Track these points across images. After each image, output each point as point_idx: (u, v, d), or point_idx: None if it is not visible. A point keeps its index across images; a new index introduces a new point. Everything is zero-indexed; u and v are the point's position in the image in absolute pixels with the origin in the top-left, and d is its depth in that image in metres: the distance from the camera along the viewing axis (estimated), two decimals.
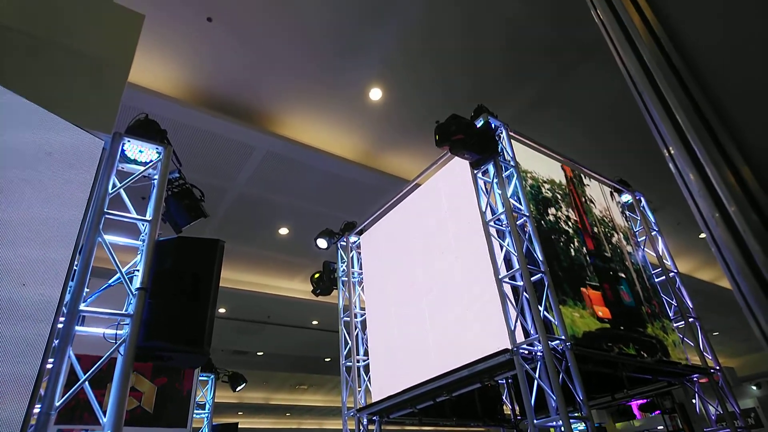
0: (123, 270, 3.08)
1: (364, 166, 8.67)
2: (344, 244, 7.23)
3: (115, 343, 2.86)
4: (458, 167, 5.51)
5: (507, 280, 4.44)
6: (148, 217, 3.36)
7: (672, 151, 1.23)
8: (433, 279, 5.54)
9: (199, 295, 3.22)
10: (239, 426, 9.19)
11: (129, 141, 3.52)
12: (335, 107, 7.68)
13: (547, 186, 5.66)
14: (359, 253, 7.12)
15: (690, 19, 1.26)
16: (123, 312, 2.94)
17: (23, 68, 3.11)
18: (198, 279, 3.23)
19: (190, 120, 7.19)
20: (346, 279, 6.91)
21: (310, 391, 18.83)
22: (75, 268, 2.87)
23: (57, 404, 2.54)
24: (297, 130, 8.04)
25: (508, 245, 4.55)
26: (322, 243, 7.29)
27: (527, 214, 4.77)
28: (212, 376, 8.26)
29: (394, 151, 8.66)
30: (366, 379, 6.18)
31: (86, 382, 2.70)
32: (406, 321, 5.71)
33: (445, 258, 5.44)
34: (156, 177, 3.66)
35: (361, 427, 5.73)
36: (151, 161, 3.68)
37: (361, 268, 6.96)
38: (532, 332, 4.14)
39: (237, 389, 8.92)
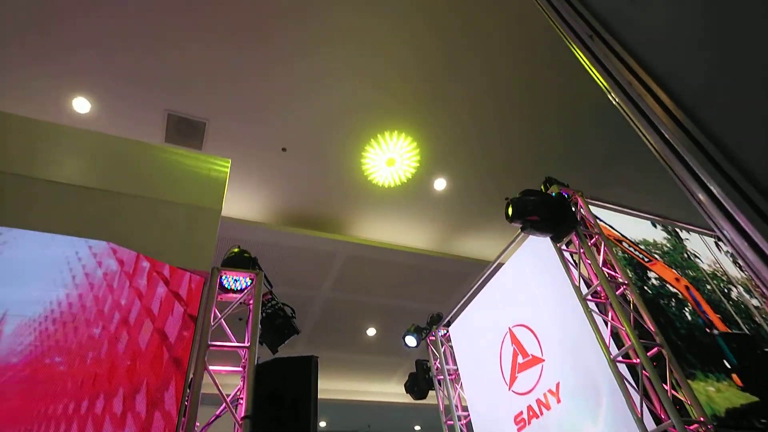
0: (228, 399, 3.20)
1: (441, 254, 8.67)
2: (433, 338, 7.02)
3: None
4: (539, 240, 5.33)
5: (621, 359, 4.03)
6: (246, 343, 3.53)
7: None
8: (533, 367, 5.15)
9: (299, 416, 3.22)
10: None
11: (225, 274, 3.82)
12: (404, 203, 7.94)
13: (642, 247, 5.28)
14: (451, 347, 6.86)
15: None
16: None
17: (133, 226, 3.57)
18: (297, 399, 3.26)
19: (275, 239, 7.72)
20: (442, 377, 6.61)
21: None
22: (186, 403, 3.00)
23: None
24: (372, 230, 8.34)
25: (612, 320, 4.20)
26: (410, 341, 7.14)
27: (625, 282, 4.43)
28: None
29: (469, 234, 8.63)
30: None
31: None
32: (512, 418, 5.26)
33: (545, 341, 5.09)
34: (251, 302, 3.89)
35: None
36: (245, 288, 3.94)
37: (455, 363, 6.65)
38: (663, 417, 3.65)
39: None
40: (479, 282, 6.42)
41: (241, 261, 4.08)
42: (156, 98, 6.26)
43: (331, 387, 10.69)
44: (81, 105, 6.20)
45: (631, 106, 1.33)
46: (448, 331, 6.95)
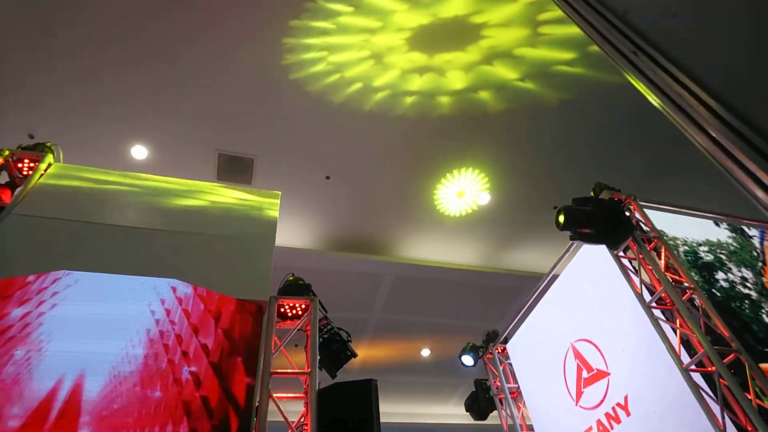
0: (293, 425, 3.26)
1: (491, 270, 8.54)
2: (491, 356, 6.87)
3: None
4: (594, 248, 5.17)
5: (694, 368, 3.81)
6: (307, 369, 3.60)
7: None
8: (599, 381, 4.94)
9: None
10: None
11: (282, 302, 3.94)
12: (449, 220, 7.92)
13: (704, 249, 5.02)
14: (510, 364, 6.68)
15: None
16: None
17: (193, 262, 3.76)
18: (361, 423, 3.28)
19: (324, 264, 7.89)
20: (504, 395, 6.44)
21: None
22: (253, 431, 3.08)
23: None
24: (418, 249, 8.35)
25: (680, 326, 3.99)
26: (467, 360, 7.01)
27: (692, 286, 4.21)
28: None
29: (518, 246, 8.47)
30: None
31: None
32: None
33: (609, 354, 4.89)
34: (308, 328, 3.97)
35: None
36: (301, 315, 4.03)
37: (516, 381, 6.47)
38: (750, 429, 3.40)
39: None
40: (534, 296, 6.26)
41: (296, 288, 4.19)
42: (206, 139, 6.62)
43: (389, 410, 10.61)
44: (139, 152, 6.65)
45: (684, 117, 1.31)
46: (505, 348, 6.78)
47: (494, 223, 8.03)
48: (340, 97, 6.40)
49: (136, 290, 3.31)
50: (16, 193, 4.15)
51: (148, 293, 3.31)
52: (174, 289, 3.40)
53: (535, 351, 6.18)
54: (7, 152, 4.23)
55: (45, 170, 4.32)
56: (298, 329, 4.03)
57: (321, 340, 4.39)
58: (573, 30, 5.54)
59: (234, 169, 7.04)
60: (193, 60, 5.85)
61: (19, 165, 4.27)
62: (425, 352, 9.86)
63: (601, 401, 4.87)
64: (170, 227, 4.03)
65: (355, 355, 4.47)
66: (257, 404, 3.16)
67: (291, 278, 4.31)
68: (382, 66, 6.16)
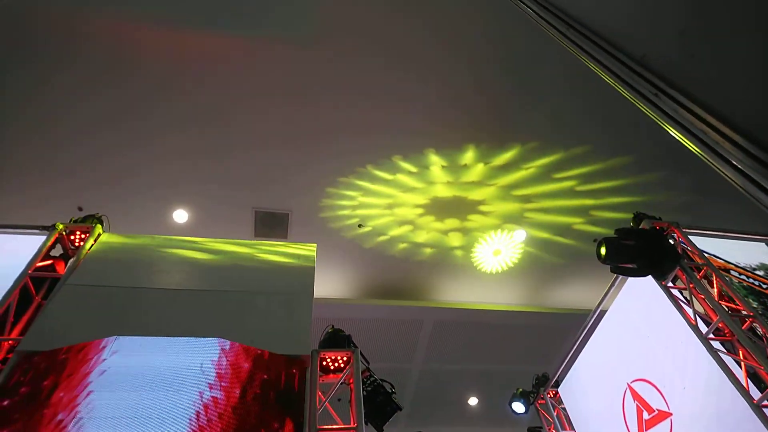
0: None
1: (534, 310, 8.28)
2: (543, 402, 6.54)
3: None
4: (642, 280, 4.97)
5: (766, 402, 3.53)
6: (353, 424, 3.54)
7: None
8: (662, 422, 4.62)
9: None
10: None
11: (323, 355, 3.93)
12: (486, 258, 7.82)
13: (761, 273, 4.76)
14: (563, 409, 6.34)
15: None
16: None
17: (236, 320, 3.83)
18: None
19: (364, 313, 7.86)
20: None
21: None
22: None
23: None
24: (457, 292, 8.22)
25: (744, 358, 3.74)
26: (518, 407, 6.70)
27: (751, 314, 3.97)
28: None
29: (560, 284, 8.23)
30: None
31: None
32: None
33: (669, 393, 4.59)
34: (351, 381, 3.92)
35: None
36: (344, 367, 4.00)
37: (572, 427, 6.11)
38: None
39: None
40: (582, 335, 6.01)
41: (336, 340, 4.19)
42: (243, 198, 6.89)
43: None
44: (180, 216, 6.96)
45: (709, 152, 1.32)
46: (558, 393, 6.46)
47: (534, 260, 7.87)
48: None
49: (184, 351, 3.39)
50: (69, 264, 4.40)
51: (196, 353, 3.38)
52: (220, 348, 3.46)
53: (590, 394, 5.86)
54: (61, 226, 4.52)
55: (95, 240, 4.57)
56: (342, 383, 3.99)
57: (365, 393, 4.31)
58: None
59: (270, 224, 7.25)
60: (230, 126, 6.20)
61: (72, 237, 4.55)
62: (473, 401, 9.48)
63: None
64: (213, 287, 4.15)
65: (400, 408, 4.36)
66: None
67: (330, 330, 4.31)
68: None
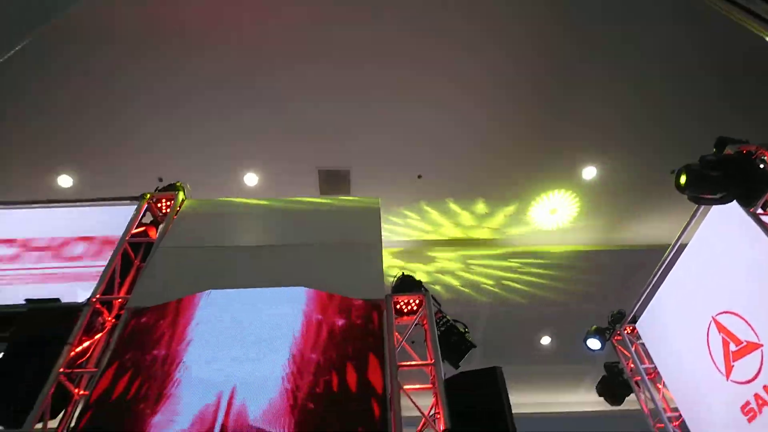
0: (427, 414, 3.40)
1: (609, 248, 8.04)
2: (620, 338, 6.46)
3: None
4: (726, 209, 4.67)
5: None
6: (431, 361, 3.72)
7: None
8: (752, 353, 4.45)
9: (497, 426, 3.26)
10: None
11: (397, 299, 4.12)
12: (556, 200, 7.63)
13: None
14: (642, 344, 6.23)
15: None
16: None
17: (316, 270, 4.08)
18: (491, 410, 3.31)
19: (428, 258, 7.98)
20: (640, 377, 6.02)
21: None
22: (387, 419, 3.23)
23: None
24: (523, 235, 8.13)
25: None
26: (593, 344, 6.66)
27: None
28: None
29: (635, 219, 7.89)
30: None
31: None
32: (738, 409, 4.56)
33: (758, 324, 4.39)
34: (425, 323, 4.09)
35: None
36: (416, 310, 4.17)
37: (651, 361, 6.02)
38: None
39: None
40: (661, 270, 5.79)
41: (408, 285, 4.35)
42: (307, 159, 7.10)
43: (515, 401, 10.35)
44: (251, 179, 7.32)
45: None
46: (635, 328, 6.34)
47: (606, 196, 7.55)
48: None
49: (272, 300, 3.68)
50: (160, 229, 4.82)
51: (283, 302, 3.66)
52: (304, 296, 3.73)
53: (670, 328, 5.71)
54: (148, 195, 4.94)
55: (179, 207, 4.95)
56: (416, 323, 4.17)
57: (439, 333, 4.48)
58: None
59: (333, 182, 7.45)
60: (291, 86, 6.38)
61: (158, 205, 4.96)
62: (545, 340, 9.52)
63: (757, 374, 4.38)
64: (291, 242, 4.42)
65: (474, 346, 4.50)
66: (389, 396, 3.32)
67: (400, 275, 4.47)
68: None
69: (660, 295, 5.87)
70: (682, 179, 3.96)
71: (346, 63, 6.15)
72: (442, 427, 3.30)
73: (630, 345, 6.23)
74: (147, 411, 2.98)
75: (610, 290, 8.21)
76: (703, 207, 5.03)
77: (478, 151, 7.08)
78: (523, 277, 8.33)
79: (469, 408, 3.39)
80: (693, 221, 5.25)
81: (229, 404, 2.99)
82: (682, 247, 5.52)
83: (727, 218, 4.71)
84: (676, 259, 5.59)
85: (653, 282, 5.91)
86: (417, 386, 3.75)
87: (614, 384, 6.44)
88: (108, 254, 4.42)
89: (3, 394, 3.45)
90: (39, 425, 3.32)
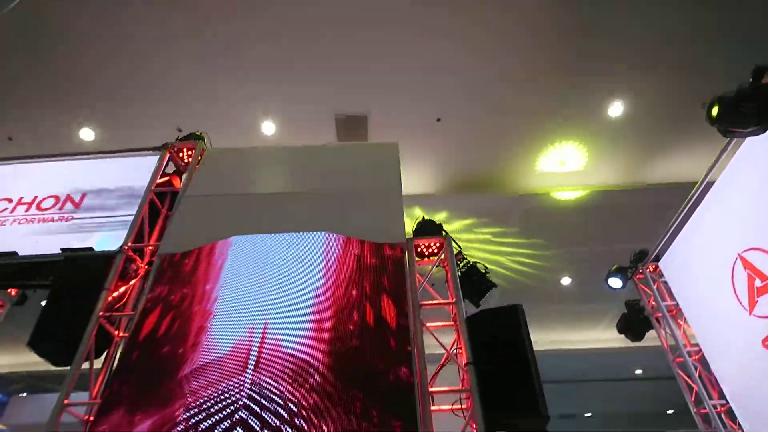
0: (449, 349, 3.53)
1: (632, 187, 7.88)
2: (642, 276, 6.47)
3: (464, 416, 3.21)
4: (757, 144, 4.51)
5: None
6: (452, 300, 3.81)
7: None
8: None
9: (518, 361, 3.36)
10: None
11: (418, 242, 4.17)
12: (579, 137, 7.43)
13: None
14: (664, 282, 6.24)
15: None
16: (461, 388, 3.32)
17: (337, 216, 4.13)
18: (513, 346, 3.41)
19: (451, 207, 7.99)
20: (661, 314, 6.09)
21: None
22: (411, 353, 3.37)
23: None
24: (545, 177, 8.01)
25: None
26: (615, 282, 6.70)
27: None
28: None
29: (661, 157, 7.68)
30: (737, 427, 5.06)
31: None
32: (760, 343, 4.60)
33: None
34: (446, 264, 4.16)
35: None
36: (437, 252, 4.23)
37: (673, 299, 6.05)
38: None
39: None
40: (686, 208, 5.68)
41: (428, 229, 4.38)
42: (324, 105, 7.01)
43: (535, 338, 10.62)
44: (268, 128, 7.29)
45: None
46: (657, 267, 6.33)
47: (632, 134, 7.31)
48: None
49: (296, 245, 3.78)
50: (183, 179, 4.90)
51: (306, 246, 3.76)
52: (326, 240, 3.81)
53: (695, 265, 5.68)
54: (169, 145, 4.98)
55: (201, 156, 5.00)
56: (437, 265, 4.24)
57: (460, 274, 4.56)
58: None
59: (351, 128, 7.36)
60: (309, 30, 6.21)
61: (180, 155, 5.01)
62: (565, 281, 9.60)
63: None
64: (312, 189, 4.46)
65: (495, 285, 4.58)
66: (412, 334, 3.44)
67: (421, 220, 4.50)
68: None
69: (685, 233, 5.81)
70: (714, 110, 3.80)
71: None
72: (464, 361, 3.43)
73: (652, 283, 6.25)
74: (184, 346, 3.19)
75: (633, 230, 8.13)
76: (734, 142, 4.85)
77: (499, 92, 6.86)
78: (545, 218, 8.28)
79: (489, 341, 3.49)
80: (723, 156, 5.08)
81: (263, 337, 3.18)
82: (710, 184, 5.39)
83: (759, 152, 4.55)
84: (703, 197, 5.47)
85: (678, 220, 5.82)
86: (439, 324, 3.87)
87: (634, 321, 6.54)
88: (129, 206, 4.57)
89: (51, 335, 3.69)
90: (85, 364, 3.57)
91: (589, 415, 13.64)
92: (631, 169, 7.86)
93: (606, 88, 6.79)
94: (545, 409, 3.09)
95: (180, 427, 2.76)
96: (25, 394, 8.58)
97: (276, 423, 2.72)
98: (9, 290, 6.10)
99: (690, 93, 6.48)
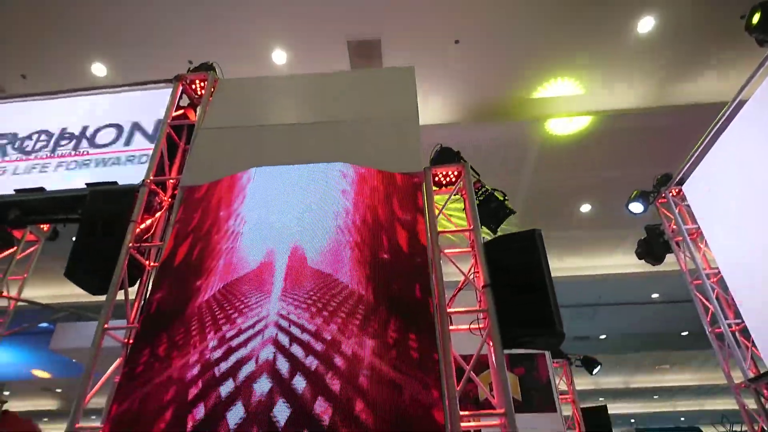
0: (467, 273, 3.61)
1: (657, 109, 7.56)
2: (664, 200, 6.39)
3: (480, 335, 3.34)
4: None
5: None
6: (470, 227, 3.84)
7: None
8: None
9: (535, 282, 3.43)
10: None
11: (435, 171, 4.14)
12: (602, 57, 7.05)
13: None
14: (687, 206, 6.16)
15: None
16: (479, 309, 3.43)
17: (352, 146, 4.09)
18: (530, 268, 3.46)
19: (470, 135, 7.84)
20: (681, 238, 6.06)
21: (674, 370, 16.79)
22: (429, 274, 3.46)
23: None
24: (567, 101, 7.72)
25: None
26: (636, 207, 6.64)
27: None
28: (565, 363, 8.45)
29: (690, 76, 7.27)
30: (750, 344, 5.18)
31: (472, 372, 3.22)
32: None
33: None
34: (464, 192, 4.14)
35: (762, 399, 4.80)
36: (455, 181, 4.20)
37: (694, 222, 5.99)
38: None
39: (594, 372, 8.78)
40: (714, 130, 5.47)
41: (446, 157, 4.33)
42: (335, 31, 6.71)
43: (553, 265, 10.76)
44: (279, 56, 7.08)
45: None
46: (681, 190, 6.23)
47: (663, 51, 6.89)
48: None
49: (313, 176, 3.80)
50: (198, 111, 4.87)
51: (323, 177, 3.78)
52: (343, 171, 3.81)
53: (720, 188, 5.56)
54: (181, 77, 4.90)
55: (213, 87, 4.92)
56: (455, 194, 4.23)
57: (478, 202, 4.56)
58: None
59: (364, 54, 7.09)
60: None
61: (193, 86, 4.94)
62: (585, 208, 9.54)
63: None
64: (327, 119, 4.38)
65: (513, 212, 4.58)
66: (431, 259, 3.51)
67: (439, 148, 4.44)
68: None
69: (711, 156, 5.64)
70: (755, 17, 3.54)
71: None
72: (481, 284, 3.51)
73: (674, 207, 6.18)
74: (213, 266, 3.35)
75: (655, 155, 7.92)
76: None
77: (521, 10, 6.45)
78: (565, 144, 8.09)
79: (506, 265, 3.55)
80: (759, 73, 4.79)
81: (290, 255, 3.32)
82: (741, 104, 5.13)
83: None
84: (732, 119, 5.24)
85: (705, 143, 5.63)
86: (457, 250, 3.93)
87: (654, 245, 6.54)
88: (145, 140, 4.60)
89: (84, 267, 3.88)
90: (120, 292, 3.77)
91: (603, 337, 14.07)
92: (656, 90, 7.49)
93: (634, 2, 6.32)
94: (561, 326, 3.18)
95: (213, 342, 2.95)
96: (68, 323, 9.23)
97: (304, 337, 2.89)
98: (41, 226, 6.38)
99: (726, 4, 6.01)
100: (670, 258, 6.53)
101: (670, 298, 11.54)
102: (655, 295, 11.88)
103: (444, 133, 7.60)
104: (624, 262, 10.61)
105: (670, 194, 6.25)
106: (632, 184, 7.06)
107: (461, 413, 2.98)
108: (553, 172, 8.67)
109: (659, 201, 6.41)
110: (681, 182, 6.18)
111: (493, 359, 3.23)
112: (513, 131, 8.00)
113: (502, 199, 4.66)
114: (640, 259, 6.82)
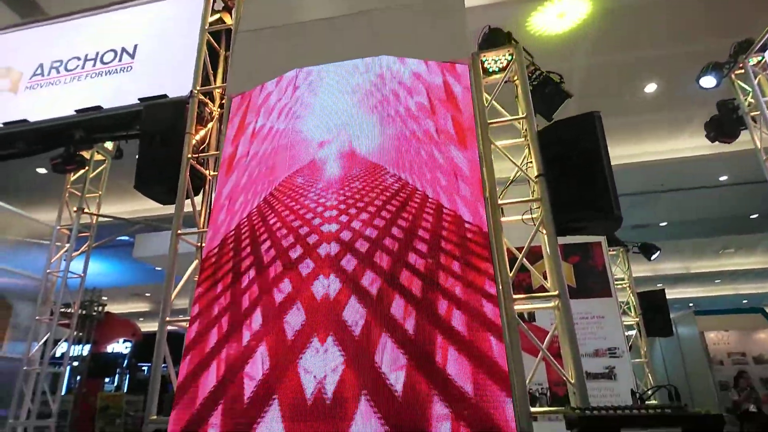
0: (520, 164, 3.53)
1: None
2: (741, 71, 5.74)
3: (534, 224, 3.34)
4: None
5: None
6: (523, 114, 3.67)
7: None
8: None
9: (592, 166, 3.30)
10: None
11: (485, 56, 3.88)
12: None
13: None
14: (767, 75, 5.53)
15: None
16: (532, 198, 3.40)
17: (394, 36, 3.88)
18: (587, 153, 3.32)
19: (515, 12, 7.20)
20: (758, 112, 5.53)
21: (740, 254, 16.31)
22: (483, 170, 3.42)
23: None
24: None
25: None
26: (707, 81, 6.03)
27: None
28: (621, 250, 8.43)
29: None
30: None
31: (525, 259, 3.28)
32: None
33: None
34: (515, 79, 3.91)
35: None
36: (506, 66, 3.95)
37: None
38: None
39: (652, 258, 8.71)
40: None
41: (496, 39, 4.03)
42: None
43: (613, 153, 10.23)
44: None
45: None
46: (764, 58, 5.55)
47: None
48: None
49: (357, 71, 3.71)
50: (234, 15, 4.73)
51: (368, 72, 3.68)
52: (387, 64, 3.68)
53: None
54: None
55: None
56: (506, 81, 4.00)
57: (531, 88, 4.30)
58: None
59: None
60: None
61: None
62: (650, 88, 8.77)
63: None
64: (366, 7, 4.14)
65: (570, 95, 4.30)
66: (481, 152, 3.43)
67: (488, 30, 4.12)
68: None
69: None
70: None
71: None
72: (534, 174, 3.43)
73: (753, 77, 5.56)
74: (268, 165, 3.50)
75: (732, 20, 6.96)
76: None
77: None
78: (626, 13, 7.27)
79: (562, 152, 3.42)
80: None
81: (344, 146, 3.42)
82: None
83: None
84: None
85: None
86: (509, 141, 3.81)
87: (726, 122, 6.02)
88: (184, 50, 4.57)
89: (150, 179, 4.12)
90: (187, 201, 4.01)
91: (664, 224, 13.67)
92: None
93: None
94: (618, 209, 3.11)
95: (278, 225, 3.20)
96: (146, 233, 10.10)
97: (357, 225, 3.06)
98: (104, 145, 6.74)
99: None
100: (742, 137, 6.04)
101: (740, 179, 10.86)
102: (723, 178, 11.18)
103: (493, 14, 7.01)
104: (690, 144, 9.93)
105: (750, 63, 5.59)
106: (705, 57, 6.35)
107: (514, 296, 3.08)
108: (613, 50, 7.90)
109: (734, 73, 5.77)
110: (763, 49, 5.49)
111: (546, 247, 3.25)
112: (571, 3, 7.22)
113: (558, 81, 4.37)
114: (709, 139, 6.34)
